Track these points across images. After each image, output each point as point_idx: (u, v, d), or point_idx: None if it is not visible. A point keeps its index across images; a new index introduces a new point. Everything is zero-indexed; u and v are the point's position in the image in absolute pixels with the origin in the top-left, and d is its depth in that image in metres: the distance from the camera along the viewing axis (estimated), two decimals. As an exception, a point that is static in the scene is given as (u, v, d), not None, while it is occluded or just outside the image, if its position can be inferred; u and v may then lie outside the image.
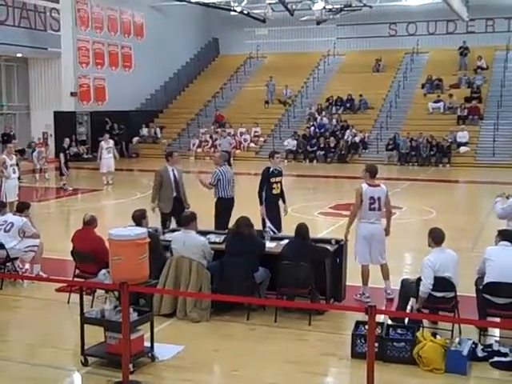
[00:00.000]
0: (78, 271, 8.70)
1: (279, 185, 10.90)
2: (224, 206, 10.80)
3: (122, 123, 31.57)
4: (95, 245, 8.56)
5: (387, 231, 8.92)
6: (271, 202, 10.79)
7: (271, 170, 10.92)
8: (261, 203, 10.73)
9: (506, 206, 8.99)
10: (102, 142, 21.67)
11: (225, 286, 7.81)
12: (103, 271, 7.39)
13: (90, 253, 8.42)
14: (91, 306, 7.69)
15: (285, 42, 35.77)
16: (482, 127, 29.00)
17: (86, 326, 6.60)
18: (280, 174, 11.00)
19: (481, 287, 7.31)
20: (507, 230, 8.04)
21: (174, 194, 10.84)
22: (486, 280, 7.21)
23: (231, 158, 24.54)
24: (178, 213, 9.66)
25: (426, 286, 7.21)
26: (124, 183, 22.73)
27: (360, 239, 8.72)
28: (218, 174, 10.86)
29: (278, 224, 10.75)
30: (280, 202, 10.95)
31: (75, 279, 8.53)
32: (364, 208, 8.68)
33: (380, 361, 6.33)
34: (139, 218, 8.58)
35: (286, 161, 27.41)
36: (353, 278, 8.78)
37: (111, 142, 21.94)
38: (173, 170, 10.98)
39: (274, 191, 10.83)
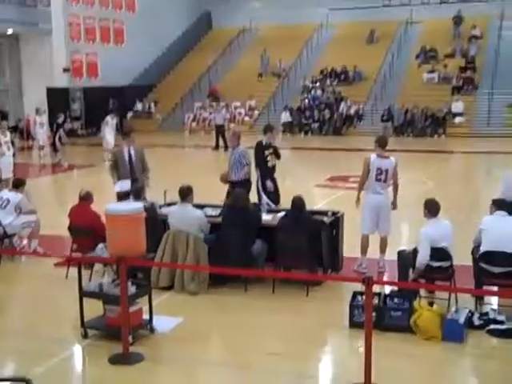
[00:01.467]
0: (75, 246, 8.72)
1: (273, 156, 10.91)
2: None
3: (116, 98, 31.39)
4: (92, 220, 8.59)
5: (394, 204, 8.94)
6: (267, 174, 10.80)
7: (264, 143, 10.93)
8: (261, 176, 10.76)
9: None
10: (108, 117, 21.73)
11: (222, 258, 7.83)
12: (100, 245, 7.43)
13: (86, 228, 8.43)
14: (89, 280, 7.72)
15: (278, 14, 35.43)
16: (477, 97, 28.92)
17: (84, 299, 6.64)
18: (273, 146, 11.00)
19: (477, 256, 7.35)
20: (501, 199, 8.05)
21: (135, 176, 10.17)
22: (482, 249, 7.25)
23: (225, 132, 24.49)
24: (133, 195, 9.05)
25: (423, 257, 7.24)
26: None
27: (366, 209, 8.76)
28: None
29: (275, 197, 10.75)
30: (277, 175, 10.96)
31: (73, 254, 8.55)
32: (370, 178, 8.71)
33: (377, 330, 6.38)
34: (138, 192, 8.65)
35: (280, 134, 27.37)
36: (350, 249, 8.82)
37: (116, 119, 22.13)
38: (129, 150, 10.35)
39: (269, 163, 10.84)
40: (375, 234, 8.89)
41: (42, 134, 21.07)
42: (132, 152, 10.36)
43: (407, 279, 7.48)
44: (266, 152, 10.85)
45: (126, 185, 9.79)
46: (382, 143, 8.93)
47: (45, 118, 21.34)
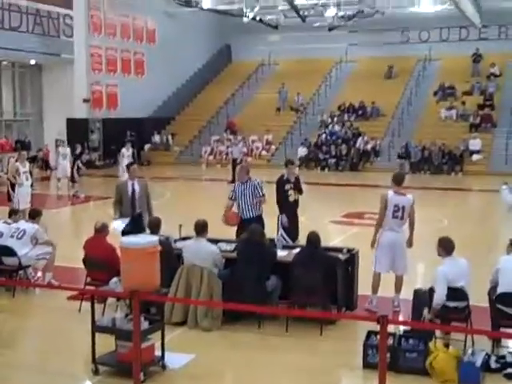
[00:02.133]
0: (89, 279, 8.72)
1: (295, 191, 10.80)
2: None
3: (134, 130, 31.67)
4: (106, 252, 8.58)
5: (410, 242, 8.85)
6: (287, 210, 10.72)
7: (285, 177, 10.89)
8: (280, 212, 10.68)
9: None
10: (124, 149, 22.01)
11: (236, 294, 7.78)
12: (114, 279, 7.40)
13: (101, 260, 8.43)
14: (102, 314, 7.69)
15: (297, 49, 35.75)
16: (495, 135, 28.83)
17: (97, 334, 6.61)
18: (294, 181, 10.91)
19: (494, 297, 7.24)
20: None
21: (137, 210, 10.02)
22: (499, 290, 7.15)
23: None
24: (135, 231, 8.86)
25: (440, 297, 7.14)
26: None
27: (381, 247, 8.69)
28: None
29: (294, 233, 10.66)
30: (299, 211, 10.87)
31: (86, 287, 8.54)
32: (387, 216, 8.65)
33: (392, 371, 6.28)
34: (156, 225, 8.63)
35: (297, 169, 27.38)
36: (365, 288, 8.74)
37: (131, 150, 22.41)
38: (132, 185, 10.26)
39: (291, 198, 10.77)
40: (390, 272, 8.80)
41: (64, 165, 21.18)
42: (136, 187, 10.26)
43: (420, 319, 7.39)
44: (287, 186, 10.80)
45: (121, 225, 9.64)
46: (398, 180, 8.89)
47: (68, 150, 21.55)
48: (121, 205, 10.23)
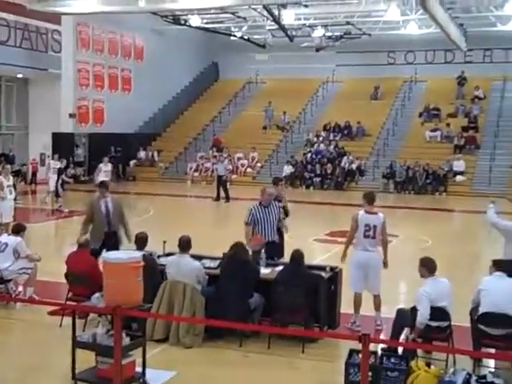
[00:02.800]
0: (71, 294, 8.65)
1: (281, 210, 10.77)
2: None
3: (120, 146, 31.65)
4: (89, 267, 8.53)
5: (385, 263, 8.83)
6: None
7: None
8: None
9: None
10: (101, 165, 21.64)
11: (219, 311, 7.76)
12: (97, 294, 7.34)
13: (83, 275, 8.38)
14: (83, 330, 7.63)
15: (284, 68, 35.97)
16: (479, 157, 29.12)
17: (77, 350, 6.54)
18: (281, 201, 10.90)
19: (475, 317, 7.28)
20: (501, 260, 8.03)
21: (106, 229, 9.99)
22: (481, 310, 7.18)
23: (227, 183, 24.58)
24: (110, 249, 8.91)
25: (423, 317, 7.16)
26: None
27: (354, 266, 8.70)
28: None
29: (278, 251, 10.59)
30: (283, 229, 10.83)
31: (68, 302, 8.46)
32: (359, 235, 8.67)
33: (373, 390, 6.28)
34: (143, 241, 8.60)
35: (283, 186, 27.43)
36: (348, 306, 8.74)
37: (109, 166, 21.88)
38: (106, 202, 10.16)
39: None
40: (364, 291, 8.79)
41: (54, 179, 21.05)
42: (109, 205, 10.16)
43: (398, 338, 7.40)
44: None
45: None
46: (369, 199, 8.88)
47: (58, 164, 21.40)
48: (91, 223, 10.08)
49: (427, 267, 7.49)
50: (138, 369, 6.60)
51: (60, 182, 20.73)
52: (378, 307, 8.76)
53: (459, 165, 28.00)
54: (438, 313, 7.22)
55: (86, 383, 6.57)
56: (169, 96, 36.70)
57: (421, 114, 32.54)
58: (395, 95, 34.86)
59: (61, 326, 8.30)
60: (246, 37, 33.45)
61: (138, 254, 7.18)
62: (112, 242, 9.75)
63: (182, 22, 31.51)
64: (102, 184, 10.70)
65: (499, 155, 28.51)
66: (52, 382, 6.85)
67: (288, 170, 29.66)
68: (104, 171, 21.21)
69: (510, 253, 8.43)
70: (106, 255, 6.86)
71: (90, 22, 30.55)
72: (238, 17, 30.50)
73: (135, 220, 18.08)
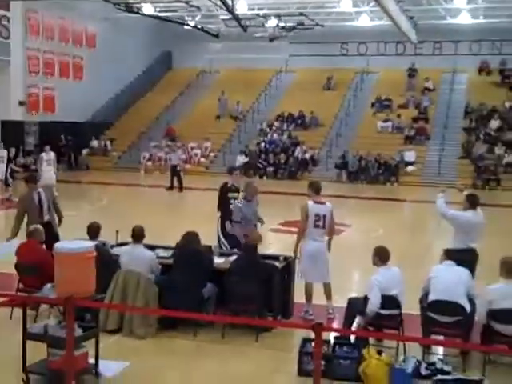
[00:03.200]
0: (21, 285, 8.50)
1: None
2: None
3: (72, 134, 31.16)
4: (40, 258, 8.37)
5: (329, 248, 8.91)
6: (228, 217, 10.72)
7: (229, 185, 10.90)
8: (223, 219, 10.67)
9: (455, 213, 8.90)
10: (43, 154, 21.12)
11: (172, 301, 7.74)
12: (48, 285, 7.24)
13: (34, 266, 8.23)
14: (34, 322, 7.51)
15: (238, 58, 35.91)
16: (429, 147, 29.65)
17: (28, 342, 6.44)
18: (237, 190, 10.97)
19: (425, 305, 7.43)
20: (452, 249, 8.21)
21: (40, 220, 9.78)
22: (430, 298, 7.33)
23: (181, 173, 24.46)
24: (49, 240, 8.85)
25: (374, 305, 7.28)
26: (72, 196, 22.36)
27: (305, 257, 8.75)
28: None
29: (236, 240, 10.61)
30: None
31: (18, 293, 8.33)
32: (309, 225, 8.70)
33: (326, 378, 6.36)
34: (95, 231, 8.50)
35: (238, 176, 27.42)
36: (301, 296, 8.81)
37: (52, 155, 21.31)
38: (38, 194, 10.05)
39: (232, 206, 10.76)
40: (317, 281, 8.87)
41: (1, 168, 20.55)
42: (42, 195, 10.07)
43: (350, 327, 7.50)
44: (230, 195, 10.83)
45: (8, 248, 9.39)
46: (316, 188, 8.92)
47: (5, 152, 20.87)
48: (21, 221, 9.92)
49: (380, 256, 7.61)
50: (91, 360, 6.54)
51: (9, 171, 20.27)
52: (329, 295, 8.84)
53: (410, 155, 28.49)
54: (389, 301, 7.34)
55: (37, 375, 6.49)
56: (122, 85, 36.26)
57: (373, 105, 32.93)
58: (348, 86, 35.18)
59: (11, 318, 8.16)
60: (199, 26, 33.24)
61: (91, 244, 7.11)
62: (49, 233, 9.58)
63: (135, 10, 31.12)
64: (30, 179, 10.46)
65: (448, 146, 29.10)
66: (1, 374, 6.72)
67: (241, 159, 29.66)
68: (46, 160, 20.70)
69: (458, 242, 8.60)
70: (58, 245, 6.76)
71: (39, 9, 29.92)
72: (192, 6, 30.30)
73: (88, 209, 17.93)
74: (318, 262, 8.73)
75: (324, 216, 8.70)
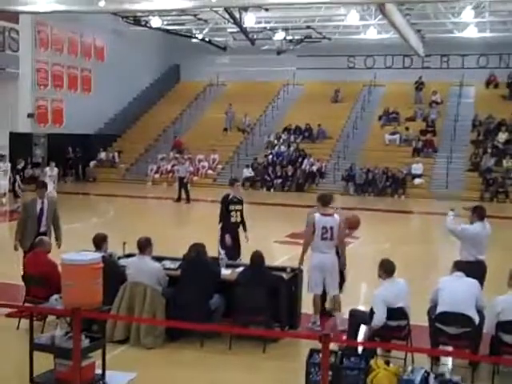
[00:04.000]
0: (28, 296, 8.51)
1: (238, 213, 10.85)
2: None
3: (80, 146, 31.28)
4: (47, 269, 8.38)
5: (343, 264, 8.89)
6: (228, 229, 10.74)
7: (230, 197, 10.90)
8: (223, 231, 10.70)
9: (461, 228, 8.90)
10: (47, 168, 21.28)
11: (179, 312, 7.73)
12: (55, 296, 7.26)
13: (41, 277, 8.24)
14: (41, 332, 7.51)
15: (245, 71, 36.05)
16: (436, 160, 29.60)
17: (36, 353, 6.44)
18: (240, 202, 10.98)
19: (433, 316, 7.39)
20: (462, 261, 8.18)
21: (36, 229, 9.75)
22: (438, 309, 7.30)
23: (188, 185, 24.51)
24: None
25: (379, 320, 7.24)
26: (79, 207, 22.43)
27: (312, 269, 8.72)
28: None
29: (235, 252, 10.65)
30: (241, 230, 10.89)
31: (25, 304, 8.34)
32: (316, 237, 8.68)
33: (333, 389, 6.33)
34: (101, 241, 8.50)
35: (242, 188, 27.47)
36: (308, 306, 8.79)
37: (55, 171, 21.51)
38: (42, 203, 9.98)
39: (232, 219, 10.77)
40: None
41: (5, 180, 20.68)
42: (45, 205, 9.99)
43: (355, 338, 7.47)
44: (231, 207, 10.84)
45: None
46: (325, 201, 8.90)
47: (8, 165, 20.99)
48: (25, 227, 9.86)
49: (385, 269, 7.57)
50: (98, 371, 6.54)
51: (18, 183, 20.37)
52: (337, 308, 8.82)
53: (417, 168, 28.44)
54: (397, 313, 7.31)
55: (45, 386, 6.48)
56: (130, 97, 36.45)
57: (380, 118, 32.93)
58: (355, 99, 35.20)
59: (18, 328, 8.16)
60: (207, 39, 33.44)
61: (98, 256, 7.12)
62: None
63: (143, 23, 31.36)
64: (43, 184, 10.50)
65: (456, 158, 29.04)
66: (9, 385, 6.73)
67: (248, 172, 29.69)
68: (49, 176, 20.87)
69: (466, 254, 8.59)
70: (65, 256, 6.77)
71: (49, 21, 30.13)
72: (199, 19, 30.47)
73: (95, 221, 17.95)
74: (326, 274, 8.71)
75: (331, 228, 8.68)
